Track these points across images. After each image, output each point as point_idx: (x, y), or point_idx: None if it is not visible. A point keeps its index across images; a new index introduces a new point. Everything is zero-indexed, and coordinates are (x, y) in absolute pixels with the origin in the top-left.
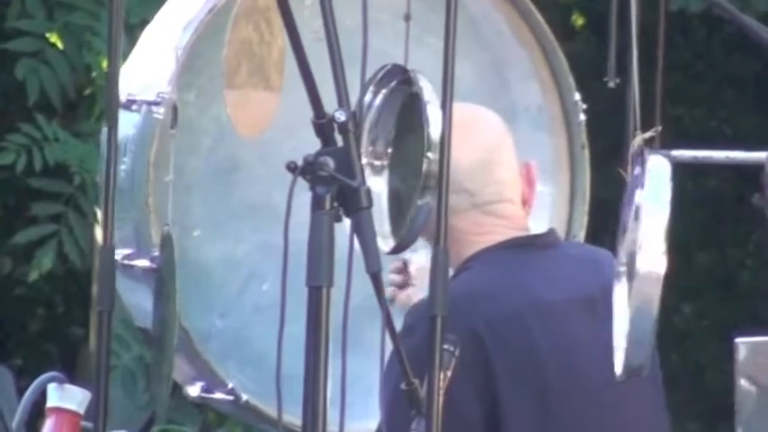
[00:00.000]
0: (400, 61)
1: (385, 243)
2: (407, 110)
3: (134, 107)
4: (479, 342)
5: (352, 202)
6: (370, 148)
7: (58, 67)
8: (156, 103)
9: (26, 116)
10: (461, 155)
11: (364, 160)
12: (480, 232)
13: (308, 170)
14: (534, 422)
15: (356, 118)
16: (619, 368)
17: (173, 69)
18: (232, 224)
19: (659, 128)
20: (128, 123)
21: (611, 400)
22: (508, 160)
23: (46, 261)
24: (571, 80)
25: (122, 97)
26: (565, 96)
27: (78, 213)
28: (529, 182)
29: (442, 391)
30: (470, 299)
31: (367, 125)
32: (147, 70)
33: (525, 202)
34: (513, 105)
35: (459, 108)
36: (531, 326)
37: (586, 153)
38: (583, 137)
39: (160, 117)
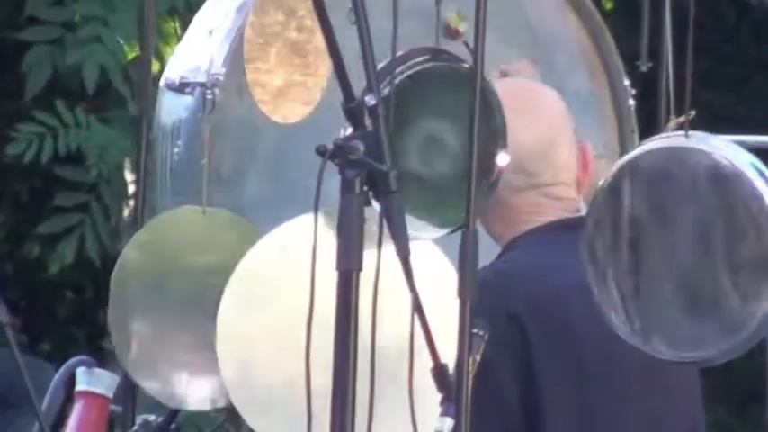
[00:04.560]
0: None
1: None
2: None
3: (187, 90)
4: (517, 320)
5: (381, 185)
6: None
7: (76, 53)
8: (210, 85)
9: (48, 104)
10: (525, 136)
11: None
12: (535, 212)
13: (338, 154)
14: (571, 403)
15: (387, 102)
16: None
17: (226, 52)
18: (284, 208)
19: (692, 113)
20: (180, 106)
21: (646, 387)
22: (568, 142)
23: (67, 253)
24: (620, 64)
25: (175, 80)
26: (614, 81)
27: (100, 204)
28: (584, 165)
29: (471, 375)
30: (511, 278)
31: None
32: (199, 53)
33: (579, 185)
34: (563, 90)
35: (521, 86)
36: (571, 307)
37: (636, 138)
38: (633, 122)
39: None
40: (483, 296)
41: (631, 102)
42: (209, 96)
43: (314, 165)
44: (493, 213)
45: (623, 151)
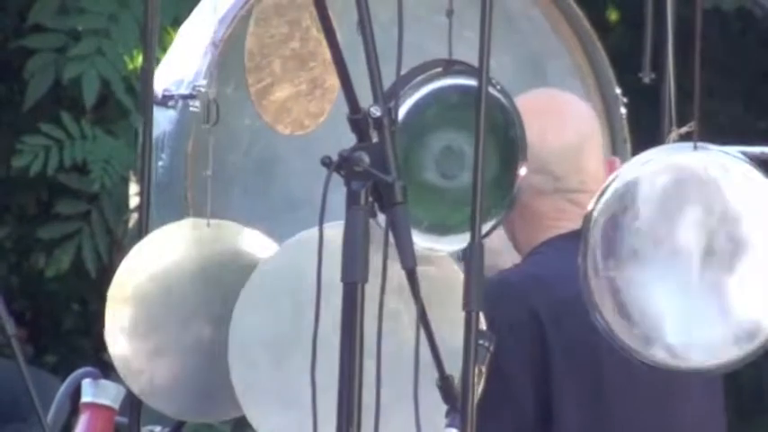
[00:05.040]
0: (436, 56)
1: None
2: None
3: (170, 103)
4: (537, 323)
5: (387, 197)
6: None
7: (76, 65)
8: (192, 97)
9: (54, 116)
10: (553, 138)
11: None
12: (558, 218)
13: (343, 165)
14: (586, 409)
15: (392, 113)
16: None
17: (208, 63)
18: (273, 218)
19: (695, 123)
20: (164, 119)
21: (666, 398)
22: (596, 152)
23: (64, 259)
24: (611, 74)
25: (159, 93)
26: (606, 90)
27: (100, 214)
28: None
29: (479, 385)
30: (534, 281)
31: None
32: (182, 66)
33: None
34: None
35: (553, 93)
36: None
37: (628, 147)
38: (624, 131)
39: (197, 110)
40: (504, 295)
41: (623, 110)
42: (193, 109)
43: (303, 176)
44: (517, 218)
45: None
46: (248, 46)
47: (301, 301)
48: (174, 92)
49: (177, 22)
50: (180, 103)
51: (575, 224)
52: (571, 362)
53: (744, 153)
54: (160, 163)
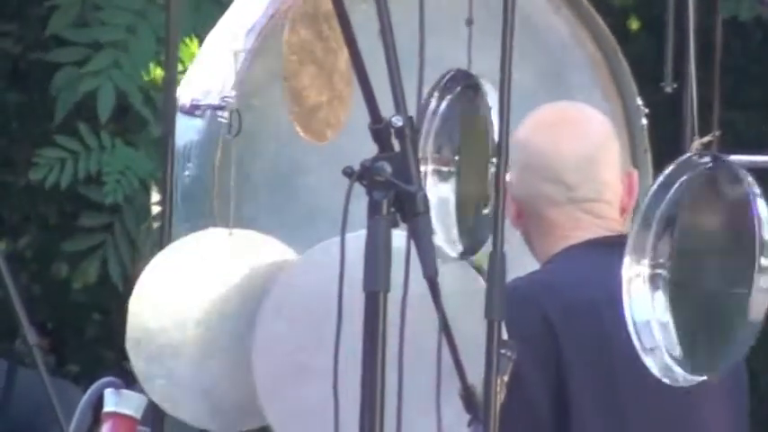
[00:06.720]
0: (458, 66)
1: (453, 248)
2: (470, 115)
3: (197, 112)
4: (550, 328)
5: (408, 207)
6: (437, 155)
7: (93, 78)
8: (221, 108)
9: (73, 127)
10: (566, 148)
11: (431, 167)
12: (574, 227)
13: (365, 175)
14: (601, 414)
15: (413, 123)
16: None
17: (236, 74)
18: (297, 229)
19: (717, 133)
20: (191, 129)
21: (680, 403)
22: (612, 162)
23: (90, 272)
24: (633, 84)
25: (186, 103)
26: (627, 101)
27: (123, 225)
28: (629, 190)
29: (500, 395)
30: (545, 287)
31: (433, 132)
32: (209, 76)
33: (624, 210)
34: None
35: (568, 104)
36: (604, 318)
37: (649, 157)
38: (645, 141)
39: (225, 121)
40: (515, 303)
41: (644, 121)
42: (221, 120)
43: (327, 187)
44: (533, 228)
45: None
46: (284, 53)
47: (325, 311)
48: (202, 102)
49: (196, 33)
50: (208, 113)
51: (590, 233)
52: (585, 365)
53: (766, 162)
54: (186, 173)
